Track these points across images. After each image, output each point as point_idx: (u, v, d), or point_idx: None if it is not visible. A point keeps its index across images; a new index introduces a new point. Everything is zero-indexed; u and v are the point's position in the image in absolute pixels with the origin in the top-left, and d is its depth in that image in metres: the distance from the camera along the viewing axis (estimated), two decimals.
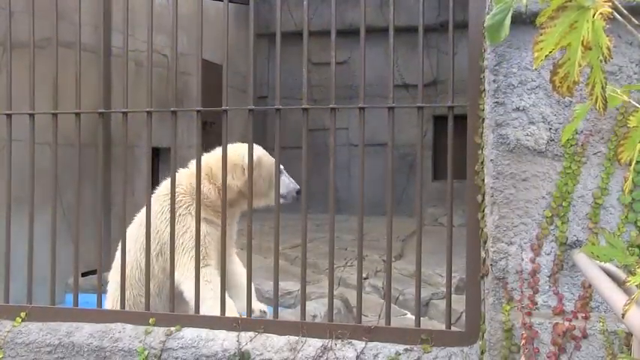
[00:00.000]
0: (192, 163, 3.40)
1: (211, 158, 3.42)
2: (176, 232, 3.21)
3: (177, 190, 3.31)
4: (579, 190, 2.41)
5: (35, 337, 3.11)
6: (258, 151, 3.44)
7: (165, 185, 3.49)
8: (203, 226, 3.24)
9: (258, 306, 3.21)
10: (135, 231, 3.46)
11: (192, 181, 3.25)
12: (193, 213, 3.19)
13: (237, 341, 2.87)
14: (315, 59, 7.88)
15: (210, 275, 3.23)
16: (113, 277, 3.52)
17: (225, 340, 2.89)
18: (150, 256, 3.19)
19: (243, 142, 3.38)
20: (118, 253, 3.33)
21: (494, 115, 2.45)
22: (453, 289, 3.01)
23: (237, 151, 3.38)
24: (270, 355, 2.81)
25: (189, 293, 3.19)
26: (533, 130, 2.42)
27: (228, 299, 3.13)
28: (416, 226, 2.93)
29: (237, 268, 3.58)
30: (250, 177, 3.05)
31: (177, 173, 3.44)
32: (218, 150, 3.34)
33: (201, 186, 3.23)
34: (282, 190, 3.41)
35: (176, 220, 3.22)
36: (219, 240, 3.14)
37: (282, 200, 3.38)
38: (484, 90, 2.58)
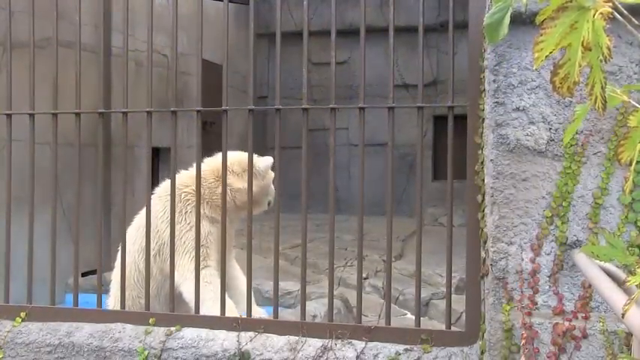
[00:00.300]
0: (203, 163, 3.36)
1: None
2: (179, 231, 3.19)
3: (185, 189, 3.30)
4: (579, 190, 2.41)
5: (35, 337, 3.11)
6: (269, 159, 3.44)
7: (166, 185, 3.47)
8: (207, 226, 3.24)
9: (255, 312, 3.17)
10: (133, 232, 3.44)
11: (203, 182, 3.24)
12: (200, 212, 3.16)
13: (237, 341, 2.87)
14: (315, 59, 7.88)
15: (211, 276, 3.21)
16: (115, 277, 3.52)
17: (225, 340, 2.89)
18: (150, 256, 3.18)
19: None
20: (120, 254, 3.33)
21: (494, 115, 2.45)
22: (453, 289, 3.01)
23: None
24: (270, 355, 2.81)
25: (188, 294, 3.18)
26: (533, 130, 2.42)
27: (228, 299, 3.12)
28: (416, 226, 2.92)
29: (238, 274, 3.56)
30: (250, 178, 3.05)
31: (182, 174, 3.43)
32: (229, 154, 3.23)
33: (216, 188, 3.24)
34: (270, 197, 3.54)
35: (181, 217, 3.21)
36: (220, 240, 3.13)
37: (268, 207, 3.56)
38: (484, 90, 2.58)
